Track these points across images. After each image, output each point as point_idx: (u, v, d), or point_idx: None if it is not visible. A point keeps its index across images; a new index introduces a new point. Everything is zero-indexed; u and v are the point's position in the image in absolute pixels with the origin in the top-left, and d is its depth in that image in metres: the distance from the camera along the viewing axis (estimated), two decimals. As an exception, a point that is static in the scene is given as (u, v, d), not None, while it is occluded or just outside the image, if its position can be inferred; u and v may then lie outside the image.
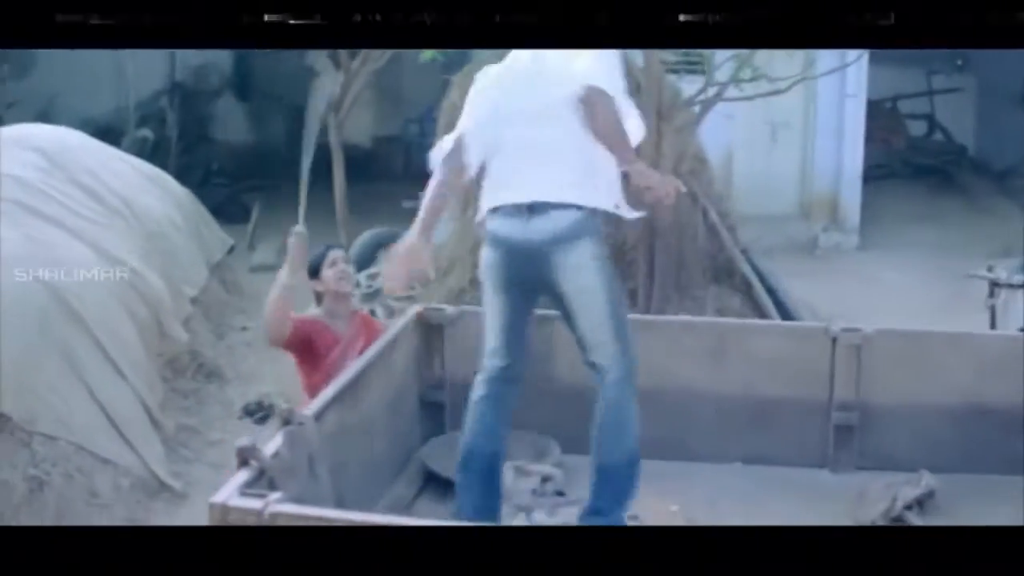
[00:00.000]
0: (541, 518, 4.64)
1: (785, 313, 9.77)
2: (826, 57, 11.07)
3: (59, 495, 6.59)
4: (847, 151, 13.82)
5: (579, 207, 4.36)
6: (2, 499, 6.52)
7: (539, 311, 4.68)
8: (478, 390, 4.53)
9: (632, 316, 5.67)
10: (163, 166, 13.59)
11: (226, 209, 13.99)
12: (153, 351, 8.08)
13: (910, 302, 10.94)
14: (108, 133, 14.96)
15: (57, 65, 14.13)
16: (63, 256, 7.77)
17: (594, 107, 4.34)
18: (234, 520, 3.54)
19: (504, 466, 4.67)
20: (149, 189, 10.10)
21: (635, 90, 8.51)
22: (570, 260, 4.34)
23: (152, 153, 13.92)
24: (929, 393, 5.32)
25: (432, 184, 4.66)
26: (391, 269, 4.70)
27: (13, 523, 6.45)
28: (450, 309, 5.58)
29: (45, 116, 15.29)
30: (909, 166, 18.07)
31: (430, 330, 5.46)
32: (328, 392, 4.49)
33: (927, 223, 14.93)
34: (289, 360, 9.56)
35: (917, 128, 18.61)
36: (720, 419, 5.38)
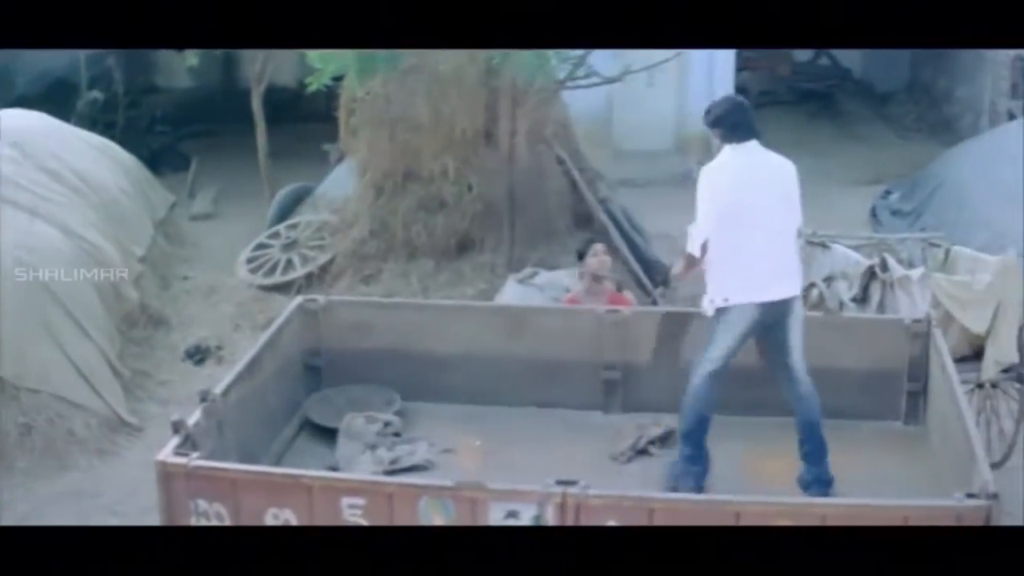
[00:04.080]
0: (382, 453, 6.61)
1: (636, 250, 11.64)
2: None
3: (44, 436, 8.54)
4: (718, 89, 14.81)
5: None
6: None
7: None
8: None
9: (450, 303, 7.79)
10: (113, 121, 15.33)
11: (167, 158, 15.77)
12: (111, 310, 9.92)
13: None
14: (63, 85, 16.60)
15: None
16: (36, 239, 9.57)
17: None
18: (169, 472, 5.45)
19: (354, 415, 6.71)
20: (100, 161, 11.84)
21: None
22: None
23: (103, 110, 15.63)
24: (675, 354, 7.15)
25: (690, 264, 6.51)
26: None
27: (9, 461, 8.38)
28: (321, 299, 7.50)
29: (6, 71, 16.81)
30: (794, 91, 19.41)
31: (308, 314, 7.35)
32: (232, 373, 6.42)
33: (801, 150, 16.28)
34: (222, 306, 11.47)
35: (804, 54, 19.82)
36: (518, 376, 7.18)
